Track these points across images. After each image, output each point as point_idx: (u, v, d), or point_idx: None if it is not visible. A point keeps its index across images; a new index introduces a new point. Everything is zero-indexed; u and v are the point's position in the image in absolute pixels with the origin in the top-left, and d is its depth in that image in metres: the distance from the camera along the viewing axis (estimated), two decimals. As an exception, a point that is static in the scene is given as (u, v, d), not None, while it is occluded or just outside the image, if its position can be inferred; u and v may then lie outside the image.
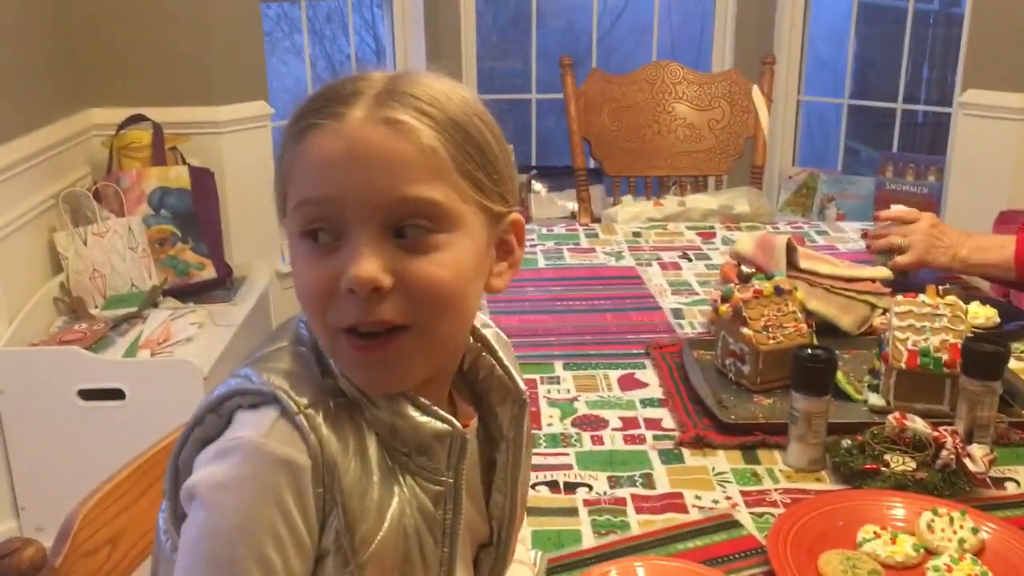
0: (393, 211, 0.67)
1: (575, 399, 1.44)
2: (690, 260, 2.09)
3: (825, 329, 1.57)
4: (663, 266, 2.05)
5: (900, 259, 1.73)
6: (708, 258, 2.09)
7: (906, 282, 1.71)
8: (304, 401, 0.69)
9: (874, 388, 1.42)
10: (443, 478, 0.75)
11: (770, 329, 1.43)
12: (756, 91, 2.74)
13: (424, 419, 0.73)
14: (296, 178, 0.69)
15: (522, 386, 0.82)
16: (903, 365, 1.35)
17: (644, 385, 1.49)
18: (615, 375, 1.52)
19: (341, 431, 0.70)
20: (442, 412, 0.74)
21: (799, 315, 1.46)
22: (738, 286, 1.47)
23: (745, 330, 1.43)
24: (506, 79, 4.60)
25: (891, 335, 1.38)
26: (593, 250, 2.17)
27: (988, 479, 1.18)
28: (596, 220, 2.66)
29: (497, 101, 3.90)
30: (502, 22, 4.45)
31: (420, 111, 0.68)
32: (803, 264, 1.60)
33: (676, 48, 4.36)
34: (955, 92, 3.44)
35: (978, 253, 1.70)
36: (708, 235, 2.26)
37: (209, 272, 2.73)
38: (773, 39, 3.80)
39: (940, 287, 1.41)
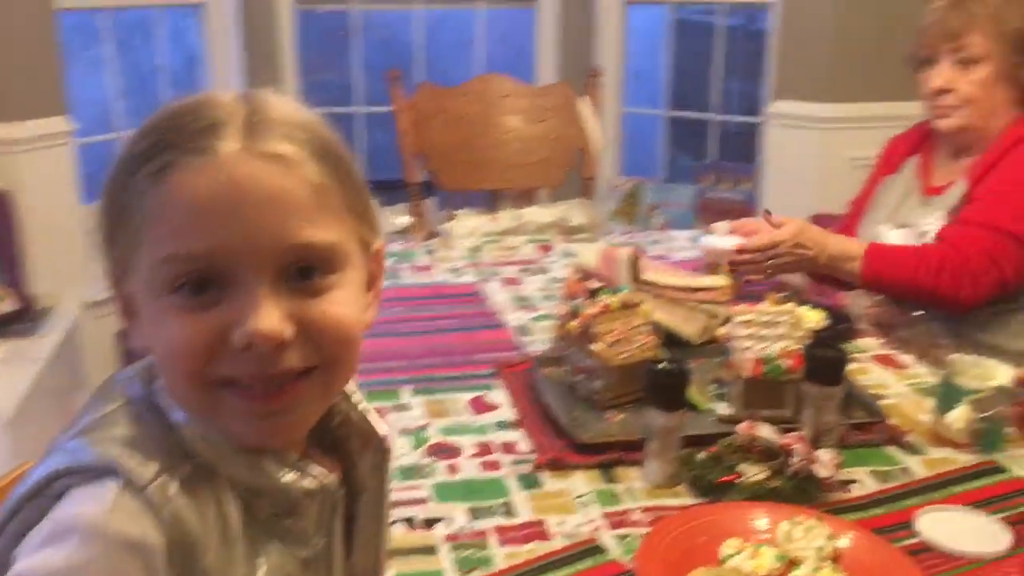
0: (289, 257, 0.61)
1: (426, 426, 1.38)
2: (531, 274, 2.07)
3: (668, 339, 1.58)
4: (504, 282, 2.02)
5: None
6: (548, 271, 2.08)
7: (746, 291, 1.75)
8: (153, 470, 0.59)
9: (721, 397, 1.44)
10: (313, 540, 0.67)
11: (619, 344, 1.42)
12: (584, 103, 2.77)
13: (291, 477, 0.65)
14: (159, 228, 0.60)
15: (384, 430, 0.76)
16: (748, 374, 1.37)
17: (496, 407, 1.45)
18: (465, 398, 1.47)
19: (198, 501, 0.61)
20: (312, 467, 0.67)
21: (647, 328, 1.46)
22: (586, 301, 1.46)
23: (594, 346, 1.42)
24: (325, 92, 4.48)
25: (735, 344, 1.40)
26: (431, 267, 2.11)
27: (836, 482, 1.21)
28: (432, 235, 2.61)
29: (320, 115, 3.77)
30: (319, 34, 4.33)
31: (298, 141, 0.61)
32: (646, 276, 1.61)
33: (500, 61, 4.38)
34: (765, 103, 3.62)
35: (833, 262, 1.76)
36: (546, 248, 2.26)
37: (9, 304, 2.48)
38: (593, 53, 3.89)
39: (779, 294, 1.44)
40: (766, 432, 1.25)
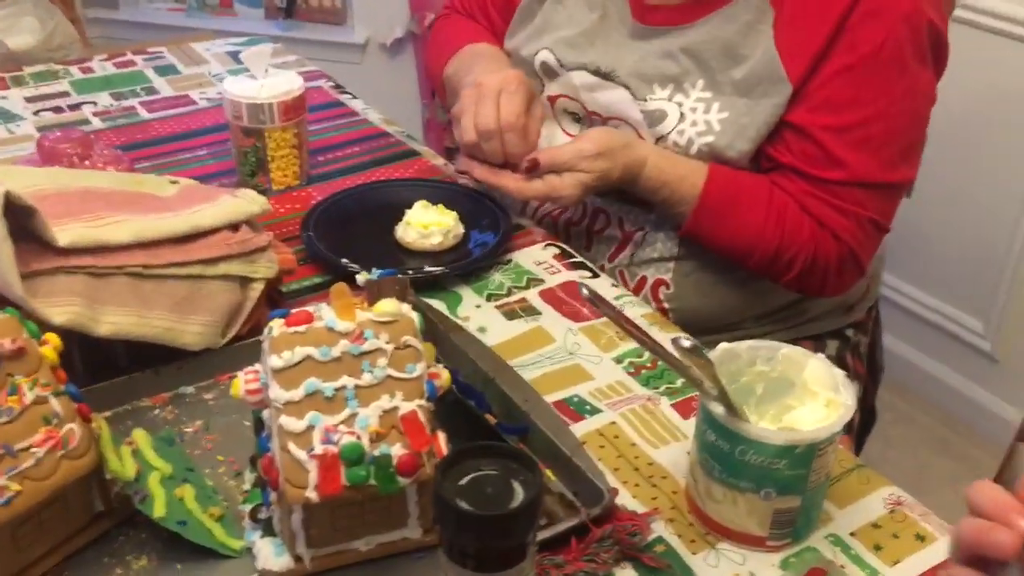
0: None
1: None
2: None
3: (138, 354, 0.74)
4: None
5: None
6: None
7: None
8: None
9: (264, 524, 0.64)
10: None
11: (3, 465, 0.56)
12: None
13: None
14: None
15: None
16: (312, 496, 0.57)
17: None
18: None
19: None
20: None
21: (57, 402, 0.60)
22: None
23: (-92, 496, 0.54)
24: None
25: (272, 423, 0.59)
26: None
27: None
28: None
29: None
30: None
31: None
32: (67, 236, 0.70)
33: None
34: None
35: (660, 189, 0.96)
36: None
37: None
38: None
39: (371, 274, 0.64)
40: None
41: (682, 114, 0.96)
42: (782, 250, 0.95)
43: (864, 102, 0.92)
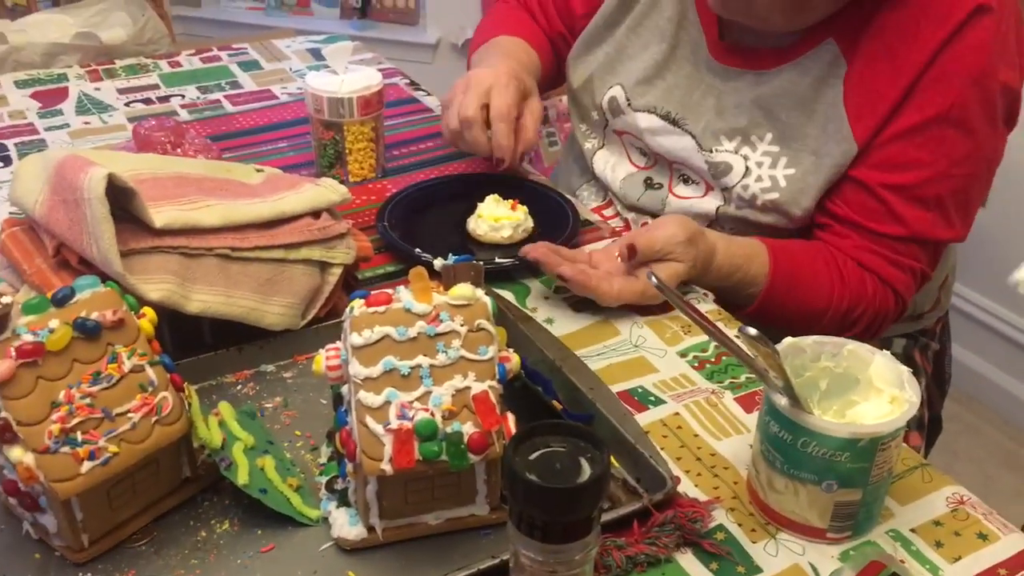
0: None
1: None
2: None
3: (223, 330, 0.78)
4: (-52, 189, 1.07)
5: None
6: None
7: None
8: None
9: (340, 495, 0.67)
10: None
11: (85, 430, 0.60)
12: None
13: None
14: None
15: None
16: (387, 468, 0.60)
17: None
18: None
19: None
20: None
21: (152, 371, 0.63)
22: (-25, 344, 0.59)
23: (16, 451, 0.58)
24: None
25: (351, 397, 0.62)
26: None
27: None
28: None
29: None
30: None
31: None
32: (162, 218, 0.74)
33: None
34: None
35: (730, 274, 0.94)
36: (54, 96, 1.30)
37: None
38: None
39: (446, 260, 0.66)
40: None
41: (747, 168, 0.97)
42: (852, 308, 0.95)
43: (925, 163, 0.92)
